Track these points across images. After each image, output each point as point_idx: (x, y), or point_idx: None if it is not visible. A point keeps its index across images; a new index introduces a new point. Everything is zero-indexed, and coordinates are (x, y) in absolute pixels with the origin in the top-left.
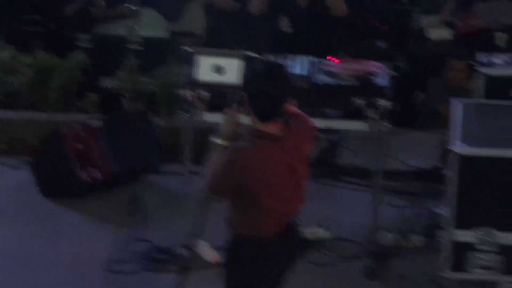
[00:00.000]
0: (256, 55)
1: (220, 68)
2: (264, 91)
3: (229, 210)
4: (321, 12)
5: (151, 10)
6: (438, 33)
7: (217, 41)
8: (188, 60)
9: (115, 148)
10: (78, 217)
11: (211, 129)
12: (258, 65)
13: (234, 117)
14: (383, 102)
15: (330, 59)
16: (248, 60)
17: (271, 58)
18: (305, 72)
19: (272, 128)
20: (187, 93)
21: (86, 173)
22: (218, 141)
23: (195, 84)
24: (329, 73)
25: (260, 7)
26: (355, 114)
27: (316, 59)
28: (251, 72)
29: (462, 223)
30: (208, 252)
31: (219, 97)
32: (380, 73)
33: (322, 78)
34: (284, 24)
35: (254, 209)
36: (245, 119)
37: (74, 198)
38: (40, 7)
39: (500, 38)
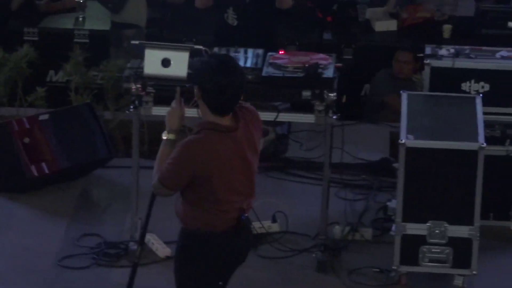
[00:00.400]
0: (203, 48)
1: (167, 61)
2: (222, 86)
3: (181, 204)
4: (266, 5)
5: (96, 3)
6: (383, 24)
7: (162, 34)
8: (135, 53)
9: (63, 142)
10: (27, 211)
11: (160, 122)
12: (211, 58)
13: (180, 110)
14: (330, 94)
15: (276, 52)
16: (195, 53)
17: (219, 51)
18: (252, 65)
19: (223, 120)
20: (133, 87)
21: (34, 167)
22: (165, 135)
23: (142, 78)
24: (275, 66)
25: (204, 2)
26: (302, 106)
27: (262, 52)
28: (205, 67)
29: (411, 216)
30: (159, 247)
31: (166, 90)
32: (327, 65)
33: (269, 71)
34: (230, 17)
35: (208, 202)
36: (191, 112)
37: (23, 192)
38: None
39: (445, 29)
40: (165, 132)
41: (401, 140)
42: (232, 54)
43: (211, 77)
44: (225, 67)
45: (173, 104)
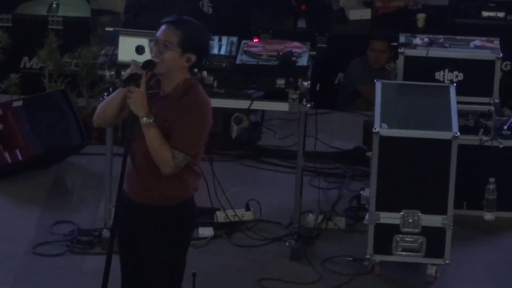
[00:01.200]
0: None
1: (142, 48)
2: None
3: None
4: None
5: None
6: (357, 13)
7: (137, 21)
8: (109, 40)
9: (37, 129)
10: (0, 198)
11: None
12: (194, 21)
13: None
14: (304, 83)
15: (251, 40)
16: None
17: None
18: (226, 53)
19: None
20: (108, 74)
21: (8, 154)
22: (145, 120)
23: (116, 65)
24: (250, 53)
25: None
26: (276, 94)
27: (236, 40)
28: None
29: (385, 205)
30: None
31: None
32: (301, 53)
33: (243, 58)
34: (205, 5)
35: (196, 165)
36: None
37: None
38: None
39: (419, 18)
40: (145, 118)
41: (375, 129)
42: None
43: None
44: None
45: (136, 88)
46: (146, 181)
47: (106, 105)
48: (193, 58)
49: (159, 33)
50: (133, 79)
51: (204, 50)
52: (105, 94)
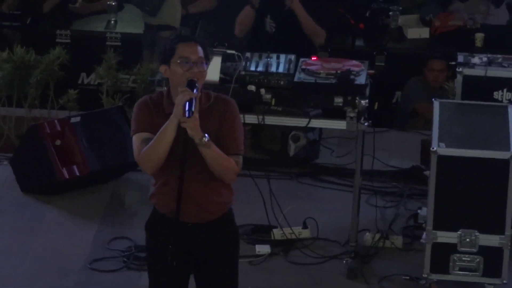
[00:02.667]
0: (236, 53)
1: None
2: None
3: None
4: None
5: (131, 6)
6: (416, 32)
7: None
8: None
9: (94, 145)
10: (57, 213)
11: None
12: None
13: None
14: (361, 101)
15: (309, 58)
16: (227, 58)
17: (251, 56)
18: (284, 70)
19: None
20: (165, 90)
21: (66, 170)
22: (204, 140)
23: None
24: (308, 72)
25: (243, 30)
26: (334, 112)
27: (295, 58)
28: None
29: (442, 224)
30: None
31: None
32: (359, 71)
33: (301, 76)
34: (268, 25)
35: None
36: None
37: (54, 195)
38: (19, 2)
39: (478, 37)
40: (203, 138)
41: (433, 148)
42: (264, 59)
43: None
44: None
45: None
46: (200, 199)
47: (157, 145)
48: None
49: (188, 51)
50: (189, 105)
51: None
52: None
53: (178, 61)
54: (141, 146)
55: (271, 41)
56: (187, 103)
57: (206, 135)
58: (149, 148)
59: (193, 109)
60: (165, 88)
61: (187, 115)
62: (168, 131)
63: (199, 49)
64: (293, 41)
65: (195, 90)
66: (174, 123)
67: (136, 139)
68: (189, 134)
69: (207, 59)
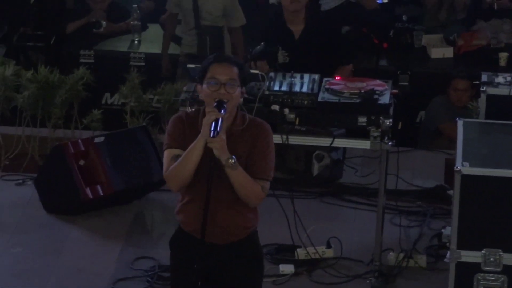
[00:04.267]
0: (260, 72)
1: None
2: None
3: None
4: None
5: (154, 26)
6: (440, 51)
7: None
8: (191, 76)
9: (118, 165)
10: (81, 233)
11: None
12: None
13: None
14: (385, 121)
15: (332, 77)
16: (251, 78)
17: (275, 76)
18: (308, 90)
19: None
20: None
21: (89, 190)
22: (231, 162)
23: (198, 101)
24: (331, 91)
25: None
26: (357, 132)
27: (318, 77)
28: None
29: (466, 243)
30: None
31: None
32: (383, 91)
33: (325, 96)
34: (281, 56)
35: None
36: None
37: (77, 215)
38: (43, 22)
39: (502, 57)
40: (230, 159)
41: (457, 167)
42: (288, 79)
43: None
44: None
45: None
46: (223, 221)
47: (184, 164)
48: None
49: (218, 72)
50: (215, 125)
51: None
52: None
53: (207, 82)
54: (170, 163)
55: (289, 68)
56: (213, 123)
57: (233, 156)
58: (176, 166)
59: (218, 129)
60: (181, 110)
61: (211, 134)
62: (195, 150)
63: (233, 70)
64: (310, 66)
65: (222, 111)
66: (201, 143)
67: (167, 154)
68: (215, 154)
69: (243, 80)
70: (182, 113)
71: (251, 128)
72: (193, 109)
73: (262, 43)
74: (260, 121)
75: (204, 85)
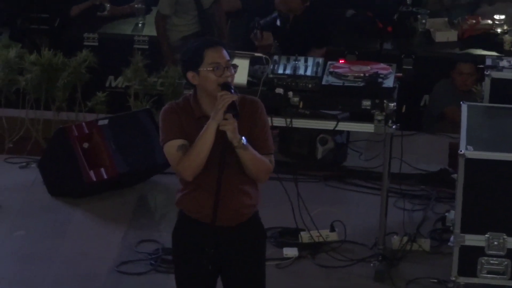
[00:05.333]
0: (264, 55)
1: None
2: None
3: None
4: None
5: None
6: (444, 35)
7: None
8: None
9: (122, 148)
10: (85, 216)
11: None
12: None
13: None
14: (389, 104)
15: (336, 61)
16: (255, 61)
17: (279, 59)
18: (312, 73)
19: None
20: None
21: (93, 172)
22: (242, 142)
23: None
24: (335, 75)
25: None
26: (361, 115)
27: (322, 61)
28: None
29: (470, 227)
30: None
31: None
32: (387, 74)
33: (329, 79)
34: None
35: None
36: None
37: (81, 197)
38: (47, 5)
39: (506, 41)
40: (241, 141)
41: (461, 151)
42: (292, 62)
43: None
44: None
45: (230, 115)
46: (234, 202)
47: (198, 151)
48: None
49: (218, 57)
50: (232, 108)
51: None
52: None
53: (210, 68)
54: (178, 154)
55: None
56: (230, 106)
57: (243, 137)
58: (190, 155)
59: (238, 110)
60: (185, 92)
61: (237, 118)
62: (208, 136)
63: (225, 52)
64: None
65: (232, 91)
66: (214, 126)
67: (169, 147)
68: (228, 137)
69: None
70: (171, 104)
71: (245, 106)
72: (180, 99)
73: (274, 15)
74: (251, 98)
75: (205, 72)
